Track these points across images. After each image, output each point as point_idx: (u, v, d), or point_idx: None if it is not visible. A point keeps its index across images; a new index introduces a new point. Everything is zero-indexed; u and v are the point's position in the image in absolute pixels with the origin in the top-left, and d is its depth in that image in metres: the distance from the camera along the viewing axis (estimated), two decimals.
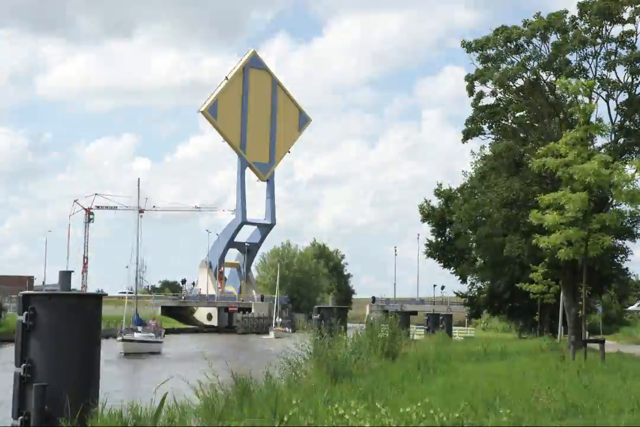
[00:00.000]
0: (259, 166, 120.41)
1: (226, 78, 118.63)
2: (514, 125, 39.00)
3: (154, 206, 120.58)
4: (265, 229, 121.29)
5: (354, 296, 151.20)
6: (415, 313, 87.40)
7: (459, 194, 57.45)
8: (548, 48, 36.19)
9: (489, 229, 47.45)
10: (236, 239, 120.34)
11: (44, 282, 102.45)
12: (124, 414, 10.06)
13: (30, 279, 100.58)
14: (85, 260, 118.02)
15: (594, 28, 35.71)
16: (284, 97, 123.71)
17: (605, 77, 35.83)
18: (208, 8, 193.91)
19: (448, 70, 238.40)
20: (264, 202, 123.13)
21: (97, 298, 11.61)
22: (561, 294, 38.14)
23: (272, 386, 13.92)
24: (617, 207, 28.99)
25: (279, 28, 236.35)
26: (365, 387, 13.73)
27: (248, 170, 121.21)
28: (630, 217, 51.86)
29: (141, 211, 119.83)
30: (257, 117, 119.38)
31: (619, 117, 36.38)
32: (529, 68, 36.07)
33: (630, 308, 74.98)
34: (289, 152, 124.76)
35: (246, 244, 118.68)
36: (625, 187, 20.90)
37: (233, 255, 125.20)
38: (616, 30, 36.10)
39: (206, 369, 12.66)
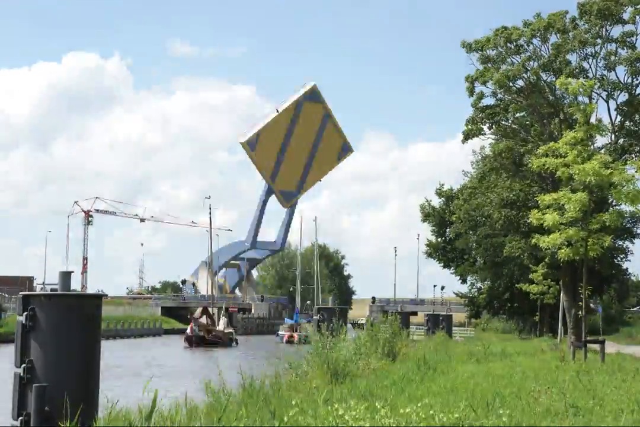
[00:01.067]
0: (285, 194, 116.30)
1: (277, 110, 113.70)
2: (514, 126, 39.04)
3: (152, 216, 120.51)
4: (271, 250, 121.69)
5: (354, 296, 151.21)
6: (415, 314, 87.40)
7: (459, 195, 57.52)
8: (548, 49, 36.23)
9: (489, 229, 47.57)
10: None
11: (43, 283, 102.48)
12: (125, 415, 10.10)
13: (30, 279, 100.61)
14: (85, 261, 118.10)
15: (594, 28, 35.74)
16: (332, 128, 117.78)
17: (605, 78, 35.86)
18: None
19: None
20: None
21: (97, 298, 11.61)
22: (561, 295, 38.15)
23: (273, 386, 13.94)
24: (617, 207, 29.03)
25: None
26: (365, 387, 13.73)
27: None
28: (630, 218, 52.02)
29: (142, 220, 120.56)
30: (297, 149, 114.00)
31: (619, 118, 36.43)
32: (529, 68, 36.10)
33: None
34: (320, 181, 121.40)
35: (246, 259, 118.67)
36: (625, 188, 20.90)
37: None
38: (616, 31, 36.17)
39: None
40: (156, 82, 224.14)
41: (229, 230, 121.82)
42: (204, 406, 11.65)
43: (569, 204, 20.92)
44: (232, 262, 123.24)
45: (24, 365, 10.56)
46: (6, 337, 52.36)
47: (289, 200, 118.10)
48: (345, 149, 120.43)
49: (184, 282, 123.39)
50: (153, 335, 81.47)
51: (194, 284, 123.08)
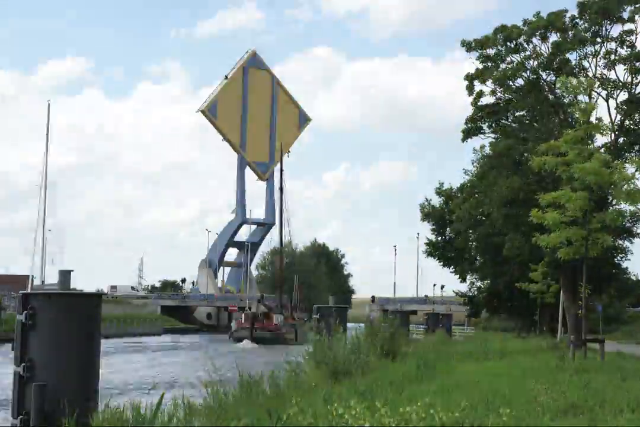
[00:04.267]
0: (259, 166, 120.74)
1: (226, 77, 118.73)
2: (514, 125, 39.00)
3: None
4: (265, 228, 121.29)
5: (354, 296, 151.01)
6: (415, 312, 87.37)
7: (459, 193, 57.46)
8: (548, 47, 36.22)
9: (489, 228, 47.47)
10: (236, 238, 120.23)
11: (43, 282, 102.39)
12: (124, 414, 10.07)
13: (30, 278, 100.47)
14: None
15: (593, 27, 35.73)
16: (284, 96, 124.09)
17: (605, 76, 35.83)
18: None
19: None
20: (263, 202, 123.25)
21: (97, 297, 11.61)
22: (561, 294, 38.11)
23: (273, 385, 13.93)
24: (617, 206, 29.00)
25: None
26: (365, 386, 13.72)
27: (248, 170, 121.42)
28: (630, 217, 51.90)
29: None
30: (257, 117, 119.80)
31: (619, 116, 36.38)
32: (529, 67, 36.10)
33: None
34: (289, 151, 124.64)
35: (246, 243, 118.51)
36: (625, 187, 20.89)
37: (233, 254, 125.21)
38: (616, 30, 36.15)
39: None
40: None
41: None
42: (202, 405, 11.63)
43: (569, 203, 20.92)
44: (232, 261, 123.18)
45: (23, 364, 10.55)
46: (5, 336, 52.37)
47: (265, 171, 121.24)
48: (303, 119, 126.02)
49: (183, 281, 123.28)
50: (153, 334, 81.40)
51: (193, 283, 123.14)
